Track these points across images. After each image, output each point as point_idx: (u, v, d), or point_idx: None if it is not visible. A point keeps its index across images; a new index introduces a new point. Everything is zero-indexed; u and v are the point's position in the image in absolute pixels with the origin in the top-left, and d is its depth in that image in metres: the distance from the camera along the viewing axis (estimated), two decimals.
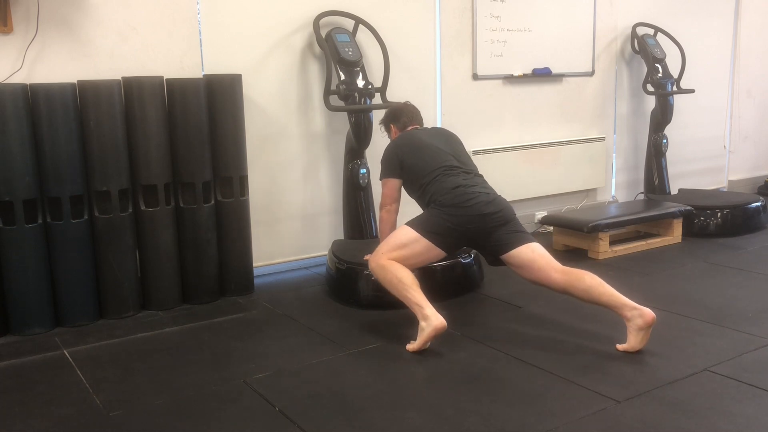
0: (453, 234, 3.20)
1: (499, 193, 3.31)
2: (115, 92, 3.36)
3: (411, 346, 2.95)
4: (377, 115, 4.05)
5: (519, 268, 3.16)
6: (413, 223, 3.25)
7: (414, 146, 3.41)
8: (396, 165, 3.40)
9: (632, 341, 2.86)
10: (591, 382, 2.62)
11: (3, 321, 3.26)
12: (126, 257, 3.46)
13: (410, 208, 3.54)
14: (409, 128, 3.59)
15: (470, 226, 3.18)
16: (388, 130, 3.71)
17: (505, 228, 3.18)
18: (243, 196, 3.75)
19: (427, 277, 3.38)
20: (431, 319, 2.90)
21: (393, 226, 3.46)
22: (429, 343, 2.95)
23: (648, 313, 2.83)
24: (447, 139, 3.51)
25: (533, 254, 3.12)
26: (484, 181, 3.38)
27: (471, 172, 3.38)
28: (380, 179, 3.48)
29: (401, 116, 3.63)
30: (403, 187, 3.47)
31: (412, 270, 3.15)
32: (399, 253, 3.15)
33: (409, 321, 3.03)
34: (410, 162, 3.37)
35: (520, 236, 3.17)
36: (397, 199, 3.45)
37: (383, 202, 3.46)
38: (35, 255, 3.25)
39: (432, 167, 3.31)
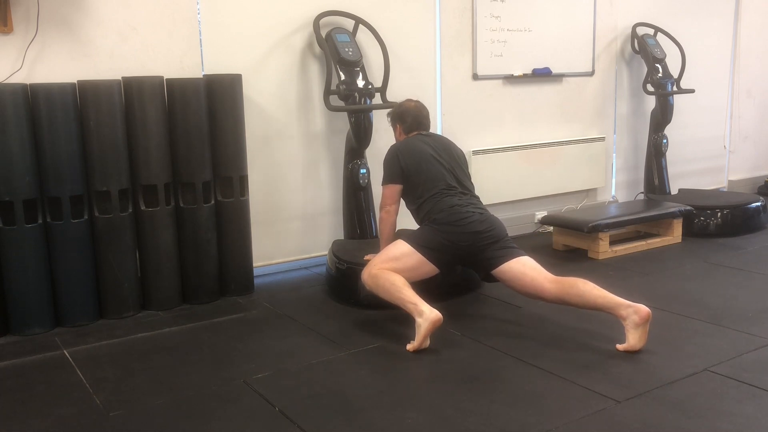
0: (446, 250, 3.24)
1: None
2: (115, 92, 3.36)
3: (411, 346, 2.95)
4: (377, 115, 4.05)
5: (511, 281, 3.19)
6: (407, 238, 3.28)
7: (416, 157, 3.42)
8: (398, 171, 3.41)
9: (631, 340, 2.87)
10: (591, 382, 2.63)
11: (3, 321, 3.26)
12: (126, 257, 3.46)
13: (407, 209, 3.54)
14: (414, 134, 3.58)
15: (463, 244, 3.22)
16: (393, 126, 3.71)
17: (496, 245, 3.23)
18: (243, 196, 3.75)
19: (428, 277, 3.38)
20: (426, 313, 2.91)
21: (393, 227, 3.47)
22: (428, 340, 2.95)
23: (642, 308, 2.85)
24: (449, 155, 3.50)
25: (524, 267, 3.15)
26: (479, 202, 3.44)
27: (467, 192, 3.43)
28: (382, 185, 3.48)
29: (407, 118, 3.61)
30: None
31: None
32: (391, 266, 3.18)
33: (408, 320, 3.03)
34: (411, 172, 3.39)
35: (510, 251, 3.22)
36: (397, 201, 3.47)
37: (383, 203, 3.47)
38: (35, 255, 3.25)
39: (431, 184, 3.35)
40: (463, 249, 3.24)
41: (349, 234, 4.18)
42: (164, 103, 3.50)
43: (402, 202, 3.49)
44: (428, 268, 3.26)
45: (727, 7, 6.11)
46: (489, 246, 3.22)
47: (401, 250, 3.24)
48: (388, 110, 3.77)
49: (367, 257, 3.58)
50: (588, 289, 2.97)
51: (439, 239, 3.23)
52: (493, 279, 3.28)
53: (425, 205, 3.34)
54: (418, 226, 3.39)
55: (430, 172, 3.38)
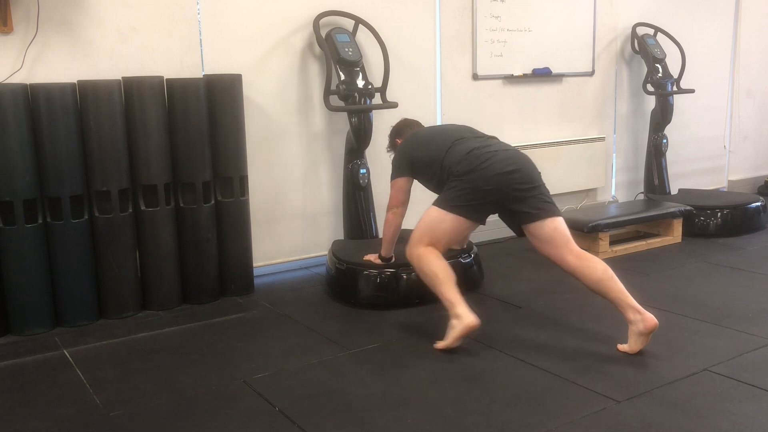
0: (477, 200, 3.09)
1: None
2: (115, 92, 3.36)
3: (440, 344, 2.93)
4: (377, 116, 4.05)
5: (536, 239, 3.09)
6: (438, 202, 3.17)
7: (422, 139, 3.40)
8: (406, 162, 3.36)
9: (632, 344, 2.86)
10: (591, 382, 2.63)
11: (3, 321, 3.26)
12: (126, 257, 3.46)
13: (416, 208, 3.50)
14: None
15: (489, 188, 3.06)
16: (394, 146, 3.67)
17: (537, 197, 3.08)
18: (243, 196, 3.75)
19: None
20: (463, 317, 2.88)
21: (398, 229, 3.43)
22: (459, 341, 2.92)
23: (650, 319, 2.82)
24: (454, 125, 3.56)
25: (555, 232, 3.05)
26: (500, 141, 3.32)
27: (483, 136, 3.34)
28: (390, 180, 3.44)
29: (405, 128, 3.64)
30: (420, 183, 3.41)
31: (453, 247, 3.26)
32: (431, 237, 3.11)
33: (409, 321, 3.04)
34: (420, 154, 3.32)
35: (549, 208, 3.08)
36: (405, 202, 3.41)
37: (391, 204, 3.42)
38: (35, 255, 3.25)
39: (442, 146, 3.25)
40: (493, 193, 3.07)
41: (349, 234, 4.18)
42: (164, 103, 3.50)
43: (410, 201, 3.45)
44: (467, 225, 3.16)
45: (727, 7, 6.11)
46: (524, 195, 3.06)
47: (434, 216, 3.14)
48: (386, 146, 3.78)
49: (366, 257, 3.58)
50: (606, 278, 2.91)
51: (467, 192, 3.08)
52: (524, 234, 3.17)
53: (444, 163, 3.19)
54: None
55: (440, 140, 3.30)
